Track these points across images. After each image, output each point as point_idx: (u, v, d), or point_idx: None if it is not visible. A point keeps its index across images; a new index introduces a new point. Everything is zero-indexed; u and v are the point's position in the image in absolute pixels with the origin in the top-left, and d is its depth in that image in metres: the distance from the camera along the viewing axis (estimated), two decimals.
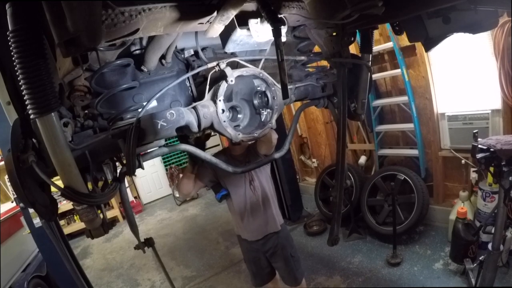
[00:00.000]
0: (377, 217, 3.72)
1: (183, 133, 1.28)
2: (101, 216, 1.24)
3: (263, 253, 2.34)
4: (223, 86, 1.31)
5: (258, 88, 1.44)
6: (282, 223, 2.37)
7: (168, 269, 3.05)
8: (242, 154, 2.19)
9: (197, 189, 2.21)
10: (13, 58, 0.78)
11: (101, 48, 1.06)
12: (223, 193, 2.20)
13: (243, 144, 2.09)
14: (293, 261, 2.35)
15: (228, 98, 1.36)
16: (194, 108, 1.26)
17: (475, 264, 2.60)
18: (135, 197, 7.41)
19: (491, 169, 2.05)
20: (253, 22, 1.10)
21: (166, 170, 7.73)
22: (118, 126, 1.18)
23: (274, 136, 1.96)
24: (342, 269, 3.38)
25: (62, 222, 5.92)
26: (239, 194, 2.21)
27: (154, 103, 1.30)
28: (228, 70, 1.31)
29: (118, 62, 1.17)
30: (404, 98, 3.58)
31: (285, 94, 1.07)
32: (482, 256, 2.41)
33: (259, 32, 1.12)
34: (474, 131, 2.19)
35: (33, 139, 1.00)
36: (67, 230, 5.71)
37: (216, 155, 2.12)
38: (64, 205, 5.55)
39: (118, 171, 1.25)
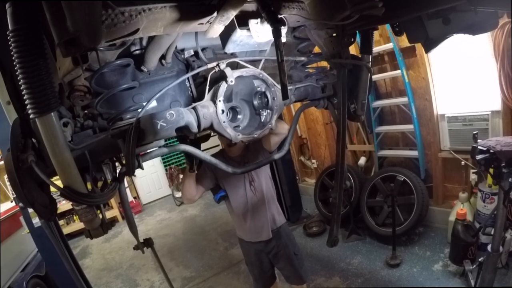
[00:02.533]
0: (377, 218, 3.71)
1: (183, 133, 1.28)
2: (100, 216, 1.24)
3: (266, 254, 2.32)
4: (223, 87, 1.31)
5: (258, 89, 1.44)
6: (284, 222, 2.36)
7: (167, 269, 3.05)
8: (239, 156, 2.16)
9: (200, 194, 2.15)
10: (13, 58, 0.78)
11: (101, 48, 1.06)
12: (221, 194, 2.19)
13: (238, 145, 2.07)
14: (297, 259, 2.33)
15: (228, 98, 1.36)
16: (194, 108, 1.26)
17: (474, 266, 2.60)
18: (134, 197, 7.40)
19: (491, 170, 2.05)
20: (253, 23, 1.10)
21: (166, 170, 7.72)
22: (118, 126, 1.18)
23: (285, 127, 1.86)
24: (341, 270, 3.38)
25: (61, 222, 5.91)
26: (239, 195, 2.18)
27: (154, 103, 1.30)
28: (228, 71, 1.31)
29: (118, 62, 1.17)
30: (404, 99, 3.58)
31: (285, 95, 1.07)
32: (482, 258, 2.41)
33: (259, 33, 1.12)
34: (474, 132, 2.20)
35: (33, 139, 1.00)
36: (66, 230, 5.70)
37: (214, 156, 2.10)
38: (64, 205, 5.54)
39: (118, 171, 1.25)
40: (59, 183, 0.94)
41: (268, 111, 1.46)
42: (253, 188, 2.18)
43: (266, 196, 2.23)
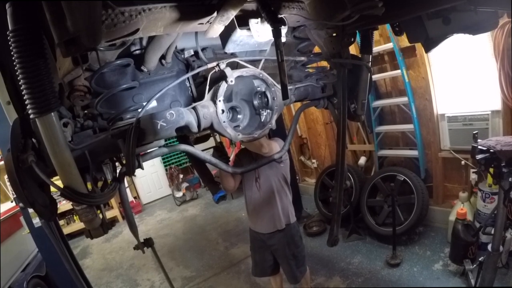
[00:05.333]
0: (377, 218, 3.71)
1: (183, 133, 1.28)
2: (101, 216, 1.24)
3: (268, 246, 2.42)
4: (223, 87, 1.31)
5: (258, 89, 1.44)
6: (291, 223, 2.40)
7: (168, 269, 3.04)
8: (254, 152, 2.22)
9: (238, 183, 2.35)
10: (13, 58, 0.78)
11: (101, 48, 1.07)
12: (220, 194, 2.21)
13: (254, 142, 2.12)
14: (296, 260, 2.39)
15: (228, 98, 1.36)
16: (194, 108, 1.26)
17: (474, 265, 2.60)
18: (134, 197, 7.40)
19: (491, 170, 2.05)
20: (253, 22, 1.10)
21: (166, 170, 7.72)
22: (118, 126, 1.18)
23: (269, 147, 2.06)
24: (341, 270, 3.37)
25: (61, 222, 5.90)
26: (249, 189, 2.34)
27: (154, 103, 1.30)
28: (228, 71, 1.31)
29: (118, 62, 1.17)
30: (404, 99, 3.58)
31: (285, 95, 1.07)
32: (482, 257, 2.41)
33: (260, 32, 1.12)
34: (474, 132, 2.20)
35: (33, 139, 1.00)
36: (66, 230, 5.69)
37: (241, 151, 2.41)
38: (64, 205, 5.54)
39: (118, 171, 1.25)
40: (59, 183, 0.94)
41: (268, 111, 1.46)
42: (258, 185, 2.29)
43: (271, 194, 2.29)
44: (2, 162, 3.50)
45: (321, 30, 1.43)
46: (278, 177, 2.32)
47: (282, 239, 2.34)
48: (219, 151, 2.02)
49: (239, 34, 1.11)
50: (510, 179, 1.96)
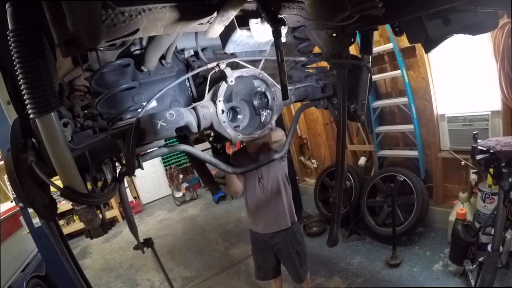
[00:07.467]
0: (377, 218, 3.71)
1: (183, 133, 1.28)
2: (100, 216, 1.24)
3: (270, 247, 2.40)
4: (223, 87, 1.31)
5: (258, 89, 1.44)
6: (294, 222, 2.40)
7: (167, 269, 3.04)
8: (255, 152, 2.22)
9: (243, 185, 2.31)
10: (13, 58, 0.78)
11: (101, 48, 1.07)
12: (220, 194, 2.21)
13: (256, 142, 2.10)
14: (299, 258, 2.39)
15: (228, 98, 1.36)
16: (194, 108, 1.26)
17: (474, 266, 2.60)
18: (134, 197, 7.40)
19: (491, 170, 2.05)
20: (253, 22, 1.10)
21: (166, 170, 7.72)
22: (118, 126, 1.18)
23: (276, 134, 1.89)
24: (341, 270, 3.38)
25: (61, 222, 5.90)
26: (251, 190, 2.31)
27: (154, 103, 1.30)
28: (228, 71, 1.31)
29: (118, 62, 1.17)
30: (404, 99, 3.58)
31: (285, 95, 1.07)
32: (482, 258, 2.41)
33: (260, 32, 1.12)
34: (474, 133, 2.20)
35: (33, 139, 1.00)
36: (66, 230, 5.69)
37: (236, 152, 2.40)
38: (64, 205, 5.54)
39: (118, 171, 1.25)
40: (59, 183, 0.94)
41: (268, 111, 1.46)
42: (261, 185, 2.27)
43: (275, 193, 2.29)
44: (2, 162, 3.50)
45: (321, 30, 1.43)
46: (281, 176, 2.31)
47: (285, 238, 2.33)
48: (217, 153, 2.01)
49: (239, 34, 1.11)
50: (510, 180, 1.96)
